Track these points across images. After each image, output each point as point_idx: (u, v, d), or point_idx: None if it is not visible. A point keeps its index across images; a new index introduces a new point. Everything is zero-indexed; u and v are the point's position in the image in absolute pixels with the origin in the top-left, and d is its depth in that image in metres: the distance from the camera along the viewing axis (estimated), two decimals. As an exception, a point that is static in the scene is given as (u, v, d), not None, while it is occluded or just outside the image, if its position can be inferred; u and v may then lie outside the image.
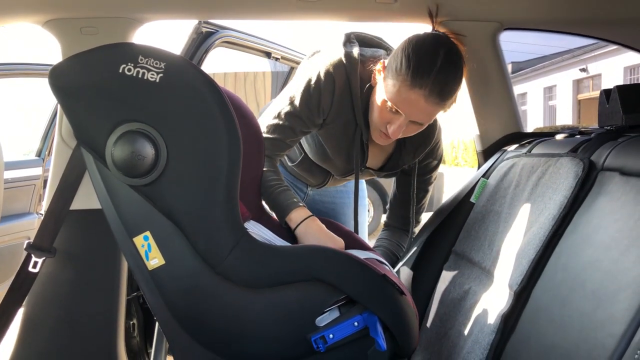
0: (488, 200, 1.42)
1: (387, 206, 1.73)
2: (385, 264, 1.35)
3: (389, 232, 1.69)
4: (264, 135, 1.45)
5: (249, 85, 3.38)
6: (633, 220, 0.84)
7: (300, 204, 1.34)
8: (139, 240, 1.07)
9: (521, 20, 1.58)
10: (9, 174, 2.61)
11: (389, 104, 1.30)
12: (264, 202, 1.42)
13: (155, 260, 1.06)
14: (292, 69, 2.85)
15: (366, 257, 1.34)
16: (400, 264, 1.54)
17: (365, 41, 1.49)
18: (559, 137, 1.38)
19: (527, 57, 17.04)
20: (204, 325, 1.06)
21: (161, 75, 1.02)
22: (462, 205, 1.53)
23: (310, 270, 1.05)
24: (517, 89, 18.78)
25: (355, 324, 1.07)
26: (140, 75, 1.02)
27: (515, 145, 1.55)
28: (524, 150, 1.44)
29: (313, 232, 1.29)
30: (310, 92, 1.39)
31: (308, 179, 1.72)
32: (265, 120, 1.47)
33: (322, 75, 1.39)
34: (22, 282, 1.30)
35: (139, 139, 1.02)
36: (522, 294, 1.06)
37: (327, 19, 1.52)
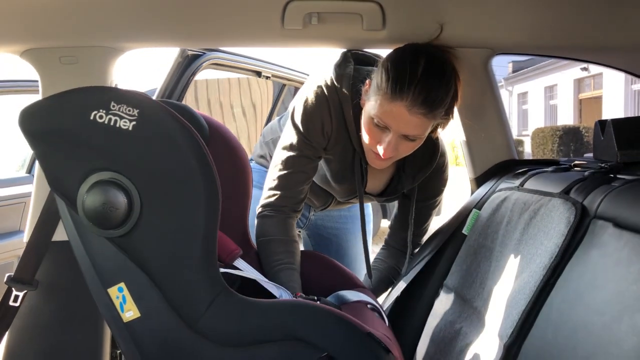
0: (480, 234, 1.38)
1: (389, 224, 1.69)
2: (375, 305, 1.31)
3: (387, 252, 1.65)
4: (273, 191, 1.41)
5: (254, 90, 3.33)
6: (627, 283, 0.80)
7: (297, 291, 1.28)
8: (113, 292, 1.02)
9: (513, 46, 1.54)
10: (-2, 192, 2.58)
11: (375, 120, 1.26)
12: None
13: (130, 312, 1.02)
14: (283, 86, 2.81)
15: (358, 299, 1.30)
16: (395, 294, 1.50)
17: (363, 59, 1.45)
18: (551, 170, 1.34)
19: (527, 57, 16.97)
20: (180, 382, 1.02)
21: (134, 123, 0.97)
22: (453, 236, 1.48)
23: (290, 329, 1.00)
24: (518, 89, 18.72)
25: None
26: (112, 123, 0.97)
27: (509, 175, 1.50)
28: (517, 182, 1.39)
29: None
30: (311, 117, 1.37)
31: (312, 200, 1.68)
32: (272, 173, 1.43)
33: (314, 99, 1.36)
34: (3, 316, 1.26)
35: (111, 189, 0.98)
36: (512, 347, 1.01)
37: (313, 46, 1.48)
